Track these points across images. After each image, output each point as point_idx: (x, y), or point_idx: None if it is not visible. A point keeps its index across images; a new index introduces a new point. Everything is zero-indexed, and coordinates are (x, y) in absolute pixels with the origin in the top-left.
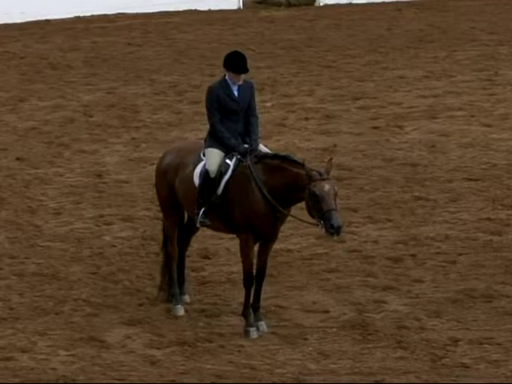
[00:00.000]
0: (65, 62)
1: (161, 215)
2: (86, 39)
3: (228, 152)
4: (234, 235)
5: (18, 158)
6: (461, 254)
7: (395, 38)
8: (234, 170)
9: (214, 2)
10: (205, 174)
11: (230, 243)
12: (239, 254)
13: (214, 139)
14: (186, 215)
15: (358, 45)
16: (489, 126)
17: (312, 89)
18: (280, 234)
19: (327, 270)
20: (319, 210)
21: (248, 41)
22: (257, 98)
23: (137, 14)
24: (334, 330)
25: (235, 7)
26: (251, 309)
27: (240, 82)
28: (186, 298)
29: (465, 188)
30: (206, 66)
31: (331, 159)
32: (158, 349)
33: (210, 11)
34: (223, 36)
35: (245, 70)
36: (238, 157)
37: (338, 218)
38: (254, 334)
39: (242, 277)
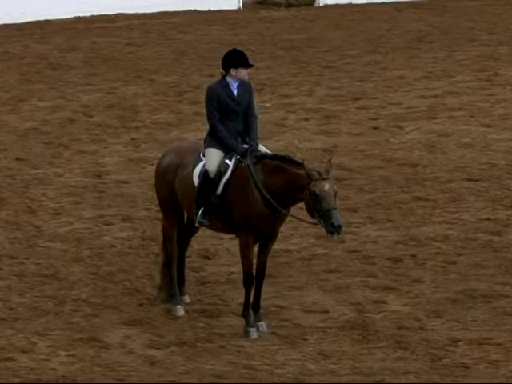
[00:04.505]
0: (65, 62)
1: (160, 215)
2: (86, 39)
3: (227, 152)
4: (234, 235)
5: (17, 159)
6: (461, 255)
7: (395, 38)
8: (233, 171)
9: (213, 2)
10: (204, 174)
11: (229, 243)
12: (239, 255)
13: (214, 139)
14: (185, 215)
15: (357, 45)
16: (488, 126)
17: (312, 89)
18: (280, 235)
19: (327, 271)
20: (319, 210)
21: (248, 41)
22: (257, 99)
23: (137, 14)
24: (334, 330)
25: (235, 7)
26: (251, 309)
27: (247, 77)
28: (186, 298)
29: (464, 188)
30: (205, 67)
31: (330, 159)
32: (158, 349)
33: (209, 11)
34: (223, 36)
35: (251, 64)
36: (238, 157)
37: (338, 217)
38: (253, 334)
39: (241, 277)
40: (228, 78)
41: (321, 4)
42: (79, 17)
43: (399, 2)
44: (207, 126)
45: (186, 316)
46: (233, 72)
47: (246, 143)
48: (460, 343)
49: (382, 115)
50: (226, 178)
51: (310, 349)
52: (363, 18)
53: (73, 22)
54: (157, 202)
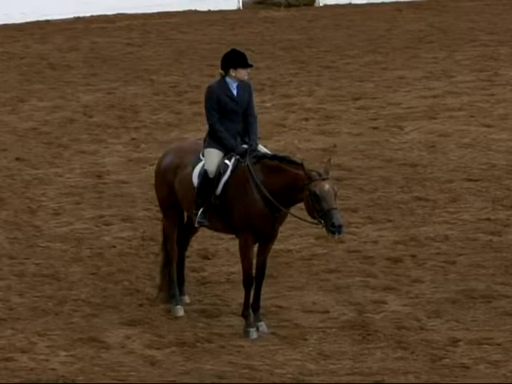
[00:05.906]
0: (64, 62)
1: (160, 215)
2: (86, 39)
3: (227, 152)
4: (234, 235)
5: (17, 159)
6: (461, 255)
7: (395, 38)
8: (232, 171)
9: (213, 2)
10: (204, 174)
11: (229, 243)
12: (239, 255)
13: (213, 139)
14: (185, 215)
15: (357, 45)
16: (488, 126)
17: (312, 89)
18: (280, 235)
19: (327, 271)
20: (320, 210)
21: (248, 41)
22: (256, 99)
23: (136, 14)
24: (334, 330)
25: (235, 7)
26: (251, 309)
27: (246, 78)
28: (186, 298)
29: (464, 188)
30: (205, 67)
31: (330, 159)
32: (158, 349)
33: (209, 11)
34: (223, 36)
35: (251, 64)
36: (237, 157)
37: (339, 217)
38: (253, 334)
39: (241, 277)
40: (227, 79)
41: (321, 4)
42: (79, 17)
43: (399, 1)
44: (207, 126)
45: (186, 316)
46: (232, 72)
47: (246, 143)
48: (460, 343)
49: (382, 115)
50: (225, 178)
51: (310, 349)
52: (363, 17)
53: (73, 22)
54: (157, 202)
